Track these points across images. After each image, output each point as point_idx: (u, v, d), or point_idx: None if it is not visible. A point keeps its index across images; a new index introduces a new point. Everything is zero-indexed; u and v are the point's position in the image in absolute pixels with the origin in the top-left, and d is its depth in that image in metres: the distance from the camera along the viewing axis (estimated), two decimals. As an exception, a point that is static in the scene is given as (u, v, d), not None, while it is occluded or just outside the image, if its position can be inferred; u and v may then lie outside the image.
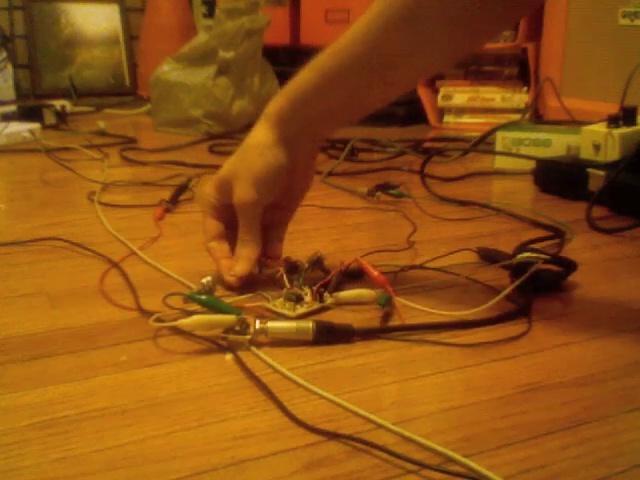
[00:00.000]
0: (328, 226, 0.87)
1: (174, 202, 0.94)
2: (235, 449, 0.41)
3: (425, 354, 0.53)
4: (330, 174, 1.11)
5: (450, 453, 0.40)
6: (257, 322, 0.54)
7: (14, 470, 0.40)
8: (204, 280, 0.62)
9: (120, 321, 0.59)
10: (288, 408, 0.45)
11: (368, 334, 0.56)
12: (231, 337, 0.54)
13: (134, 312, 0.60)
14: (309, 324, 0.54)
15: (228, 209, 0.65)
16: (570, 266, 0.66)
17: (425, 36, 0.58)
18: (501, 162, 1.17)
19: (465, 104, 1.62)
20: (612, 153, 0.97)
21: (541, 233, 0.79)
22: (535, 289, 0.62)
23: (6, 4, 2.09)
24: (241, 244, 0.65)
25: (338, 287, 0.62)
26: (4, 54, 1.99)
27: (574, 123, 1.25)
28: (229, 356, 0.53)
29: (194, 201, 0.96)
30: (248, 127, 0.68)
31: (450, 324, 0.58)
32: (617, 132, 0.97)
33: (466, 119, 1.63)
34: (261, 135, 0.63)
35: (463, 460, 0.40)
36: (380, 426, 0.43)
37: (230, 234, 0.67)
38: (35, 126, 1.46)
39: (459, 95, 1.62)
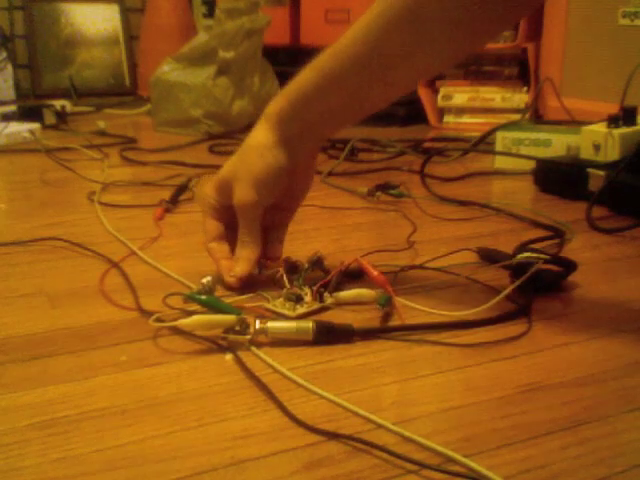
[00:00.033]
0: (328, 226, 0.87)
1: (174, 202, 0.94)
2: (235, 449, 0.41)
3: (425, 354, 0.53)
4: (330, 174, 1.11)
5: (450, 453, 0.40)
6: (257, 322, 0.54)
7: (14, 470, 0.40)
8: (204, 280, 0.62)
9: (120, 321, 0.59)
10: (288, 408, 0.45)
11: (368, 334, 0.56)
12: (231, 337, 0.54)
13: (134, 312, 0.60)
14: (309, 324, 0.54)
15: (228, 210, 0.65)
16: (570, 266, 0.66)
17: (426, 36, 0.58)
18: (501, 162, 1.17)
19: (465, 104, 1.62)
20: (612, 153, 0.97)
21: (541, 233, 0.79)
22: (535, 289, 0.62)
23: (6, 4, 2.09)
24: (241, 245, 0.65)
25: (338, 287, 0.62)
26: (4, 54, 1.99)
27: (574, 123, 1.25)
28: (229, 356, 0.53)
29: (194, 201, 0.96)
30: (248, 127, 0.68)
31: (450, 324, 0.58)
32: (617, 132, 0.97)
33: (466, 119, 1.64)
34: (261, 136, 0.63)
35: (463, 460, 0.40)
36: (380, 426, 0.43)
37: (230, 235, 0.67)
38: (35, 126, 1.46)
39: (459, 95, 1.62)
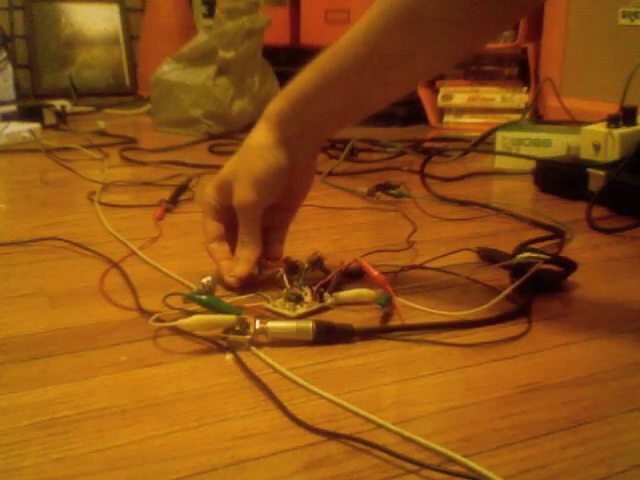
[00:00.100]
0: (328, 226, 0.87)
1: (174, 202, 0.94)
2: (235, 449, 0.41)
3: (425, 354, 0.53)
4: (330, 174, 1.11)
5: (450, 453, 0.40)
6: (257, 322, 0.54)
7: (14, 470, 0.40)
8: (204, 280, 0.62)
9: (120, 321, 0.59)
10: (288, 408, 0.45)
11: (368, 334, 0.56)
12: (231, 337, 0.54)
13: (134, 312, 0.60)
14: (309, 324, 0.54)
15: (228, 210, 0.65)
16: (570, 266, 0.66)
17: (426, 36, 0.58)
18: (501, 162, 1.17)
19: (465, 104, 1.63)
20: (612, 153, 0.97)
21: (541, 233, 0.79)
22: (535, 289, 0.62)
23: (6, 4, 2.09)
24: (241, 245, 0.65)
25: (338, 287, 0.62)
26: (4, 54, 1.99)
27: (574, 123, 1.25)
28: (229, 356, 0.53)
29: (194, 201, 0.96)
30: (248, 127, 0.68)
31: (450, 324, 0.58)
32: (617, 132, 0.97)
33: (466, 119, 1.64)
34: (261, 136, 0.63)
35: (463, 460, 0.40)
36: (380, 426, 0.43)
37: (230, 235, 0.67)
38: (35, 126, 1.46)
39: (459, 95, 1.62)
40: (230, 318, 0.54)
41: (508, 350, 0.54)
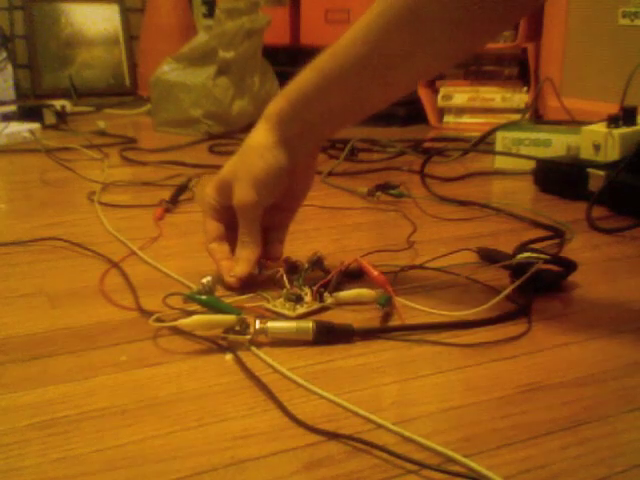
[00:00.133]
0: (328, 226, 0.87)
1: (174, 202, 0.94)
2: (235, 449, 0.41)
3: (425, 354, 0.53)
4: (330, 174, 1.11)
5: (450, 453, 0.40)
6: (257, 322, 0.54)
7: (14, 470, 0.40)
8: (204, 280, 0.62)
9: (120, 321, 0.59)
10: (288, 408, 0.45)
11: (368, 334, 0.56)
12: (231, 337, 0.54)
13: (134, 312, 0.60)
14: (309, 324, 0.54)
15: (228, 210, 0.65)
16: (570, 266, 0.66)
17: (426, 36, 0.58)
18: (501, 162, 1.17)
19: (465, 104, 1.62)
20: (612, 153, 0.97)
21: (541, 233, 0.79)
22: (535, 289, 0.62)
23: (6, 4, 2.09)
24: (241, 245, 0.65)
25: (338, 287, 0.62)
26: (4, 54, 1.99)
27: (574, 123, 1.25)
28: (229, 356, 0.53)
29: (194, 201, 0.96)
30: (248, 127, 0.68)
31: (450, 324, 0.58)
32: (617, 132, 0.97)
33: (466, 119, 1.64)
34: (261, 136, 0.63)
35: (463, 460, 0.40)
36: (380, 426, 0.43)
37: (230, 235, 0.67)
38: (35, 126, 1.46)
39: (459, 95, 1.62)
40: (230, 318, 0.54)
41: (508, 350, 0.54)
